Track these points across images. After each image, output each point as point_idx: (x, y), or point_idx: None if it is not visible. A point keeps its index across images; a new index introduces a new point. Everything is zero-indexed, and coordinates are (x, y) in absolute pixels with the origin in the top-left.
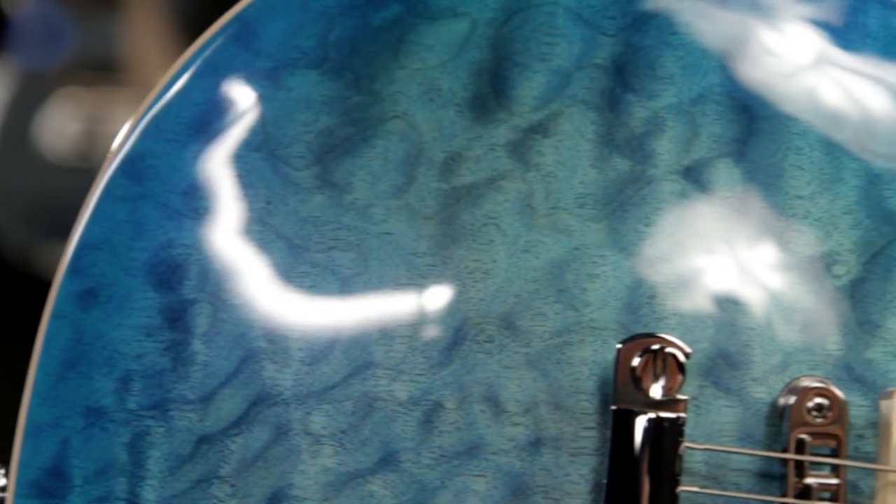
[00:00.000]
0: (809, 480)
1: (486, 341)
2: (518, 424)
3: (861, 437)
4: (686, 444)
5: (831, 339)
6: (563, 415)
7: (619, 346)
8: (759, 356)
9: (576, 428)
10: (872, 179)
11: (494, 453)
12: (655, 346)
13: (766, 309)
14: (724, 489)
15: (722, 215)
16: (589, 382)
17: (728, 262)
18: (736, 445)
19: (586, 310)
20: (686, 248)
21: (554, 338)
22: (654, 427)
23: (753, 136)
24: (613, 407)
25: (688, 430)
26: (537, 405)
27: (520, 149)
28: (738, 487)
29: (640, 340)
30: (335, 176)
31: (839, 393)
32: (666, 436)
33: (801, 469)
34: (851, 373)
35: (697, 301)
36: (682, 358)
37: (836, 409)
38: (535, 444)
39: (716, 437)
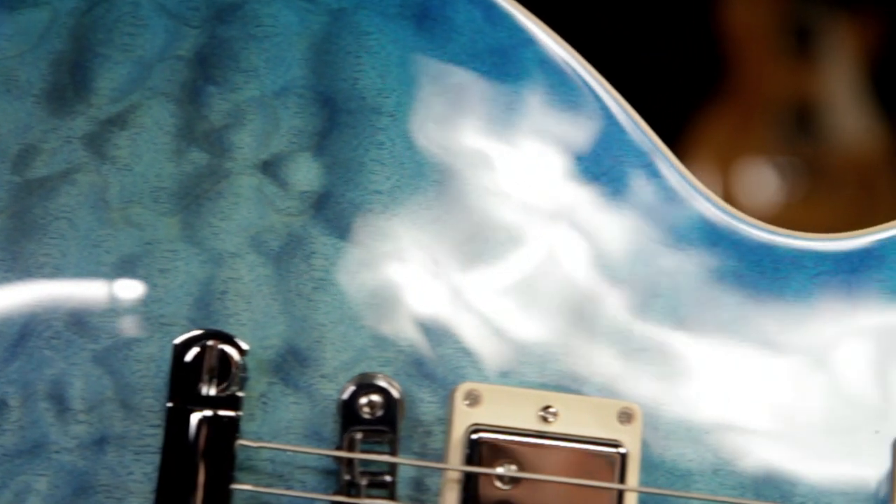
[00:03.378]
0: (361, 478)
1: (52, 338)
2: (83, 422)
3: (429, 433)
4: (241, 441)
5: (403, 336)
6: (128, 412)
7: (175, 342)
8: (330, 353)
9: (141, 426)
10: (453, 175)
11: (58, 452)
12: (210, 343)
13: (339, 305)
14: (289, 487)
15: (300, 210)
16: (156, 380)
17: (307, 257)
18: (303, 443)
19: (156, 305)
20: (260, 243)
21: (122, 334)
22: (206, 425)
23: (335, 130)
24: (169, 404)
25: (255, 427)
26: (103, 403)
27: (96, 141)
28: (304, 485)
29: (196, 337)
30: None
31: (393, 391)
32: (219, 434)
33: (352, 467)
34: (422, 369)
35: (269, 297)
36: (237, 356)
37: (390, 407)
38: (100, 443)
39: (283, 435)
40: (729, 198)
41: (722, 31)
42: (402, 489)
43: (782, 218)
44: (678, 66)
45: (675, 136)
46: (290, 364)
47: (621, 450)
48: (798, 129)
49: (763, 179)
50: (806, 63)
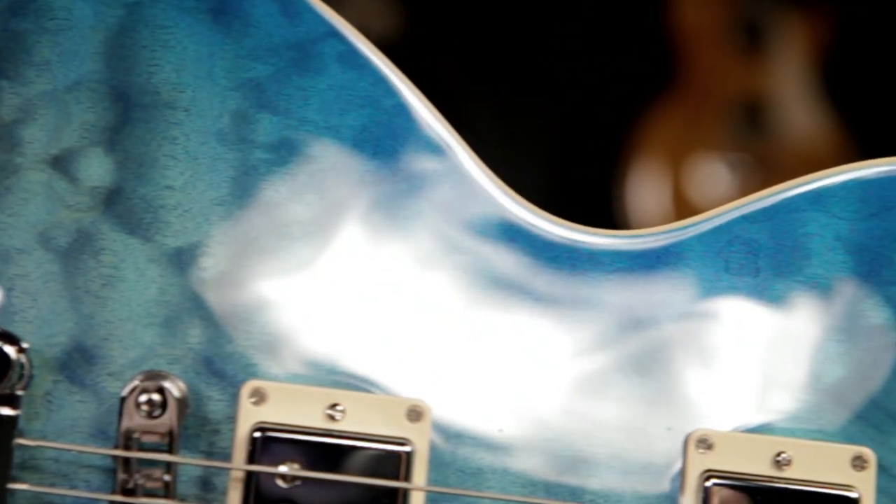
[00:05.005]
0: (139, 478)
1: None
2: None
3: (217, 432)
4: (19, 440)
5: (193, 333)
6: None
7: None
8: (118, 350)
9: None
10: (248, 171)
11: None
12: None
13: (128, 302)
14: (74, 486)
15: (89, 206)
16: None
17: (96, 254)
18: (89, 441)
19: None
20: (49, 240)
21: None
22: None
23: (128, 125)
24: None
25: (39, 426)
26: None
27: None
28: (88, 485)
29: None
30: None
31: (175, 389)
32: None
33: (128, 466)
34: (211, 366)
35: (57, 294)
36: (13, 353)
37: (168, 406)
38: None
39: (68, 433)
40: (680, 194)
41: (672, 28)
42: (189, 488)
43: None
44: (629, 63)
45: (626, 132)
46: (77, 362)
47: (407, 448)
48: (748, 125)
49: (714, 175)
50: (756, 59)
